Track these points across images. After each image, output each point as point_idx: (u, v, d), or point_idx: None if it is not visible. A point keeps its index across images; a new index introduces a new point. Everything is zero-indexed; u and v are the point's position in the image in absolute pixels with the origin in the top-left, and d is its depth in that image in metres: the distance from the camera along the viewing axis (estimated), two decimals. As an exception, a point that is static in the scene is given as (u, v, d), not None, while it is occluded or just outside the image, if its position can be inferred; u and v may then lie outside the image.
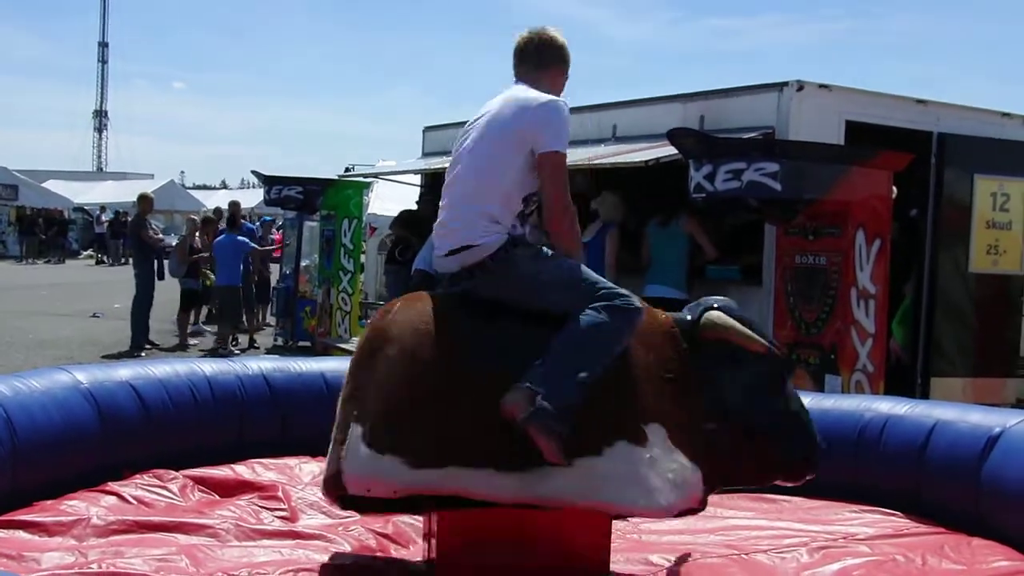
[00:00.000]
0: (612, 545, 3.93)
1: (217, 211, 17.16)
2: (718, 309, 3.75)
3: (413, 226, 11.46)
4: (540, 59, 3.75)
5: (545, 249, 3.63)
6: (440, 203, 3.80)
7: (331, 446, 3.59)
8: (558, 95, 3.74)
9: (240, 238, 12.82)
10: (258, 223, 18.12)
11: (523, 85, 3.71)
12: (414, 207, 12.30)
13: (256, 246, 13.62)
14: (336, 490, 3.57)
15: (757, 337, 3.71)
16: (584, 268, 3.63)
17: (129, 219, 35.71)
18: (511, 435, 3.36)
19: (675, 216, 7.81)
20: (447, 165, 3.83)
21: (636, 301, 3.56)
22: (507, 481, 3.44)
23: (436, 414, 3.45)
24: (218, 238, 12.95)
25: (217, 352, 11.69)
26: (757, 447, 3.66)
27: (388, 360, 3.55)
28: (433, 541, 3.70)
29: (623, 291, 3.56)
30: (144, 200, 13.05)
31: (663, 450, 3.53)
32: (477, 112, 3.77)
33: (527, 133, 3.55)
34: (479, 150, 3.65)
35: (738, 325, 3.70)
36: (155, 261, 12.75)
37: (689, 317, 3.78)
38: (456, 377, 3.48)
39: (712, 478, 3.61)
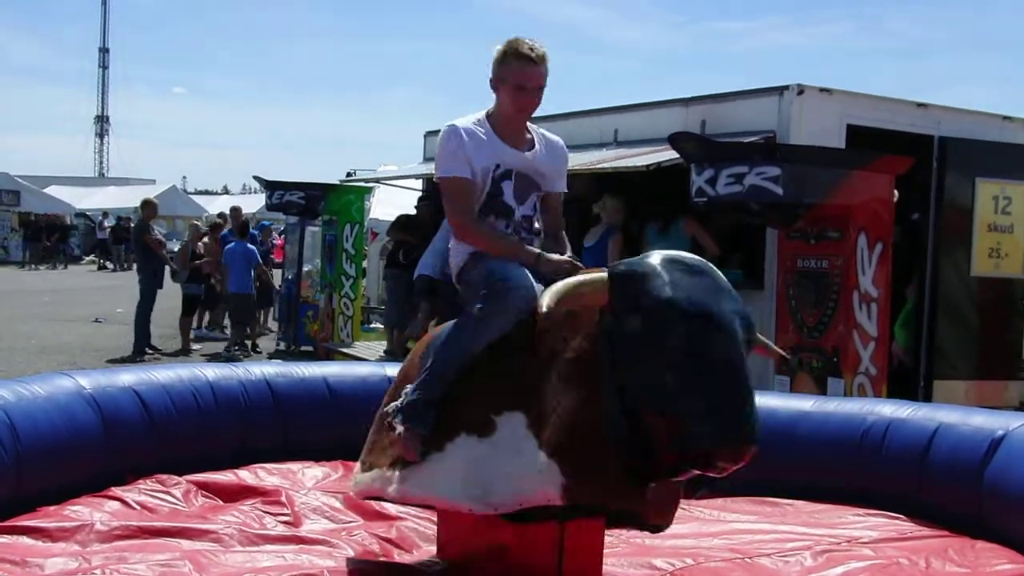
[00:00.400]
0: (616, 550, 3.94)
1: (222, 215, 17.21)
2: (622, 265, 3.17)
3: (412, 230, 11.53)
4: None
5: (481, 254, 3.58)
6: None
7: None
8: (510, 107, 3.60)
9: (250, 247, 12.85)
10: (257, 228, 18.15)
11: None
12: (413, 212, 12.32)
13: (260, 262, 13.54)
14: None
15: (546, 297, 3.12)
16: (495, 264, 3.48)
17: (132, 224, 35.91)
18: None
19: (673, 221, 7.82)
20: None
21: (516, 285, 3.36)
22: (393, 480, 3.59)
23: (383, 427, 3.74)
24: (228, 245, 12.94)
25: (220, 357, 11.71)
26: (664, 430, 2.96)
27: None
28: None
29: (510, 277, 3.40)
30: (148, 206, 13.07)
31: (512, 440, 3.26)
32: None
33: None
34: None
35: (560, 285, 3.16)
36: (160, 266, 12.73)
37: None
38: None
39: (581, 468, 3.11)
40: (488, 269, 3.50)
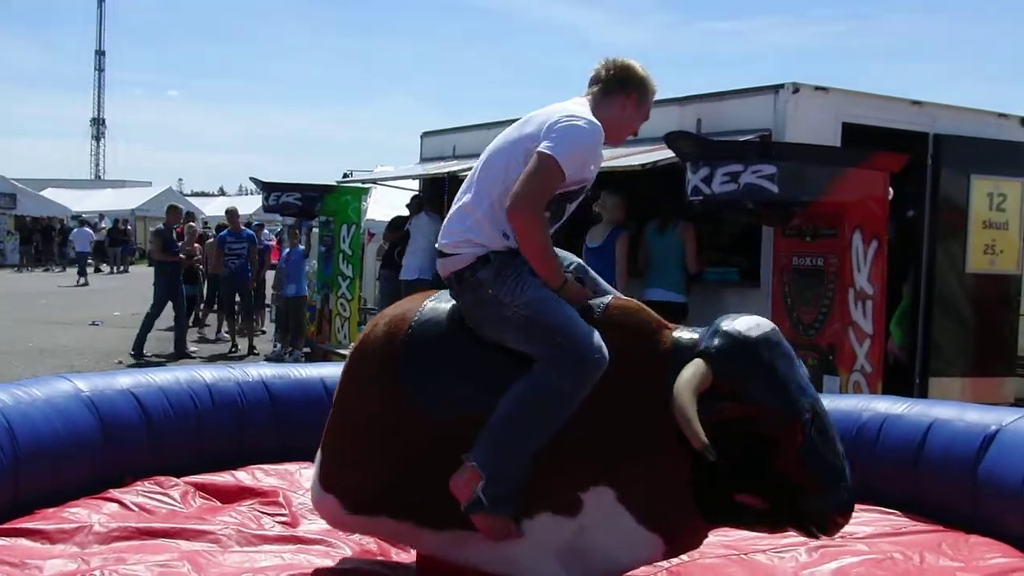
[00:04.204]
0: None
1: (190, 215, 17.67)
2: (706, 354, 3.16)
3: (398, 230, 11.62)
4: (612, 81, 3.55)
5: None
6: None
7: None
8: (626, 128, 3.59)
9: (301, 247, 13.02)
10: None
11: None
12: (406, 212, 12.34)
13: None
14: None
15: (694, 430, 2.99)
16: (557, 316, 3.23)
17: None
18: (437, 489, 3.24)
19: (673, 222, 7.82)
20: (443, 170, 3.87)
21: (599, 352, 3.17)
22: (429, 538, 3.46)
23: (372, 460, 3.42)
24: (286, 250, 13.18)
25: (282, 359, 11.96)
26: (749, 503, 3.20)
27: (345, 390, 3.61)
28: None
29: (587, 342, 3.18)
30: (173, 211, 13.25)
31: (605, 516, 3.25)
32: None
33: (534, 137, 3.42)
34: (489, 156, 3.54)
35: (682, 402, 3.02)
36: (175, 272, 12.80)
37: (697, 339, 3.27)
38: (398, 420, 3.36)
39: (678, 532, 3.32)
40: (549, 321, 3.21)
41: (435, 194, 11.73)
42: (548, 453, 3.20)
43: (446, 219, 3.52)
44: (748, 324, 3.25)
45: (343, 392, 3.61)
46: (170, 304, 12.50)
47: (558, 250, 3.46)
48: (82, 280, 27.11)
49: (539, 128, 3.33)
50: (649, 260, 7.93)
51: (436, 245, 3.51)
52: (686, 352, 3.22)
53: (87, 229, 30.84)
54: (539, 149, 3.25)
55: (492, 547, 3.28)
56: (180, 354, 12.21)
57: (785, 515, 3.18)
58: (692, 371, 3.11)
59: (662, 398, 3.10)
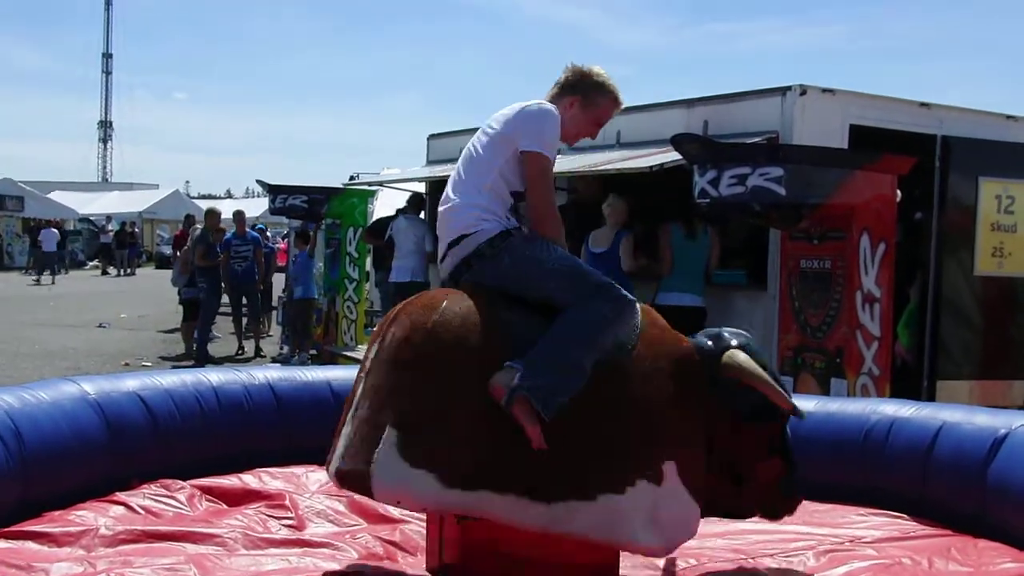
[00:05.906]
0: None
1: (190, 217, 17.86)
2: (741, 348, 3.67)
3: (379, 234, 11.64)
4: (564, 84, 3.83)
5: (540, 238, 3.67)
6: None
7: (353, 436, 3.44)
8: (579, 129, 3.84)
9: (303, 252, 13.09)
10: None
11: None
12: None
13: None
14: (358, 490, 3.49)
15: (783, 392, 3.63)
16: (578, 259, 3.77)
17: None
18: (543, 461, 3.34)
19: (703, 226, 7.77)
20: (450, 172, 3.89)
21: (632, 299, 3.60)
22: (536, 511, 3.39)
23: (472, 428, 3.36)
24: (295, 254, 13.22)
25: (290, 361, 12.03)
26: (742, 490, 3.74)
27: (428, 362, 3.44)
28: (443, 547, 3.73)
29: (615, 284, 3.62)
30: (211, 215, 13.29)
31: (673, 487, 3.51)
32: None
33: (511, 135, 3.68)
34: (473, 152, 3.79)
35: (764, 374, 3.60)
36: (216, 276, 12.85)
37: (710, 345, 3.70)
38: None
39: (703, 511, 3.66)
40: (580, 264, 3.71)
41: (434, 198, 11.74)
42: (637, 424, 3.50)
43: (448, 215, 3.76)
44: (745, 334, 3.81)
45: (425, 364, 3.45)
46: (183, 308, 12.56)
47: None
48: (49, 280, 27.31)
49: (508, 119, 3.70)
50: (673, 263, 7.83)
51: (448, 237, 3.73)
52: (705, 352, 3.69)
53: (53, 230, 31.29)
54: (524, 149, 3.62)
55: (598, 515, 3.42)
56: (202, 358, 12.19)
57: (759, 498, 3.74)
58: (745, 356, 3.62)
59: (696, 397, 3.61)
